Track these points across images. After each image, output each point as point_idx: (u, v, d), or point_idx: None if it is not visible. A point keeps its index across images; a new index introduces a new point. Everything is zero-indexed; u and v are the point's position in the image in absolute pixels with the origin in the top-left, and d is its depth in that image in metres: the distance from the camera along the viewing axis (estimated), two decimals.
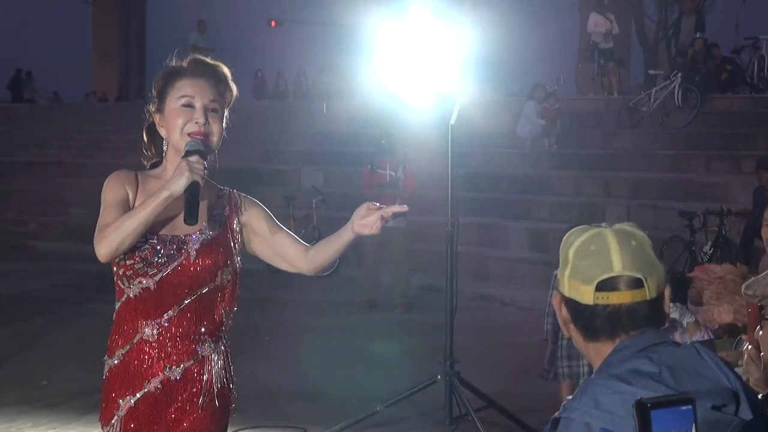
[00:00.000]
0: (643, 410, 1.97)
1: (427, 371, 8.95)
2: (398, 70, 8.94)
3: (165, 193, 3.81)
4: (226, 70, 4.14)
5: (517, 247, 17.77)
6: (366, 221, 4.04)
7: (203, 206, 4.02)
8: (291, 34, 48.60)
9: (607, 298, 2.61)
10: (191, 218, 3.81)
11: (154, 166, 4.20)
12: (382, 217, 4.01)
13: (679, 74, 21.68)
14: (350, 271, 16.79)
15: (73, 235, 21.23)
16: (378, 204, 4.06)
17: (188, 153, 3.90)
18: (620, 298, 2.61)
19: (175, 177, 3.83)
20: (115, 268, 3.97)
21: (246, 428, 8.71)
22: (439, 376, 8.62)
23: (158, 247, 3.93)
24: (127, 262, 3.92)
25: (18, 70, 43.55)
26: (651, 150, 20.36)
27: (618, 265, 2.61)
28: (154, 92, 4.11)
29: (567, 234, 2.76)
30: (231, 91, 4.15)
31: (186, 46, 33.76)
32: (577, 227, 2.76)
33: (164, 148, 4.12)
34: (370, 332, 13.00)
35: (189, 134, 3.97)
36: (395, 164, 14.86)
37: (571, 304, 2.68)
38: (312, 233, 18.51)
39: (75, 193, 22.86)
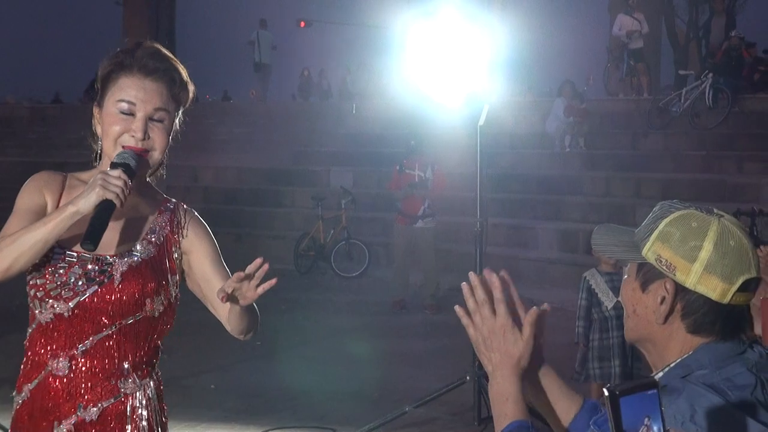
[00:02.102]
0: (614, 398, 1.99)
1: (456, 372, 8.96)
2: (428, 70, 8.94)
3: (71, 209, 3.21)
4: (182, 69, 3.50)
5: (547, 248, 17.73)
6: (241, 294, 3.35)
7: (138, 222, 3.48)
8: (321, 35, 48.68)
9: (741, 298, 2.55)
10: (89, 242, 3.14)
11: None
12: (256, 287, 3.37)
13: (710, 74, 21.59)
14: (380, 271, 16.80)
15: None
16: (244, 272, 3.34)
17: (113, 165, 3.28)
18: (747, 298, 2.57)
19: (86, 191, 3.22)
20: (27, 287, 3.37)
21: (276, 429, 8.74)
22: (468, 377, 8.62)
23: (77, 267, 3.33)
24: (38, 281, 3.33)
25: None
26: (682, 150, 20.29)
27: (754, 265, 2.55)
28: (97, 81, 3.51)
29: (680, 216, 2.59)
30: (187, 92, 3.53)
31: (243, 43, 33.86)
32: (683, 211, 2.61)
33: (98, 149, 3.50)
34: (399, 333, 13.01)
35: (123, 146, 3.37)
36: (424, 165, 14.86)
37: (693, 298, 2.56)
38: (341, 234, 18.55)
39: None
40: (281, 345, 12.14)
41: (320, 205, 19.20)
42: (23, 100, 41.83)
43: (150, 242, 3.47)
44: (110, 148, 3.38)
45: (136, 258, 3.41)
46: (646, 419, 2.01)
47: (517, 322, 2.65)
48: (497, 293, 2.66)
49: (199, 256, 3.59)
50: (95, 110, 3.49)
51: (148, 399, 3.47)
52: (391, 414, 8.60)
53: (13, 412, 3.49)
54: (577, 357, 8.55)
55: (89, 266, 3.35)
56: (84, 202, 3.20)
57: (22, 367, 3.44)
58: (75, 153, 26.44)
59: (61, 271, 3.32)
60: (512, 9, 26.94)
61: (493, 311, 2.65)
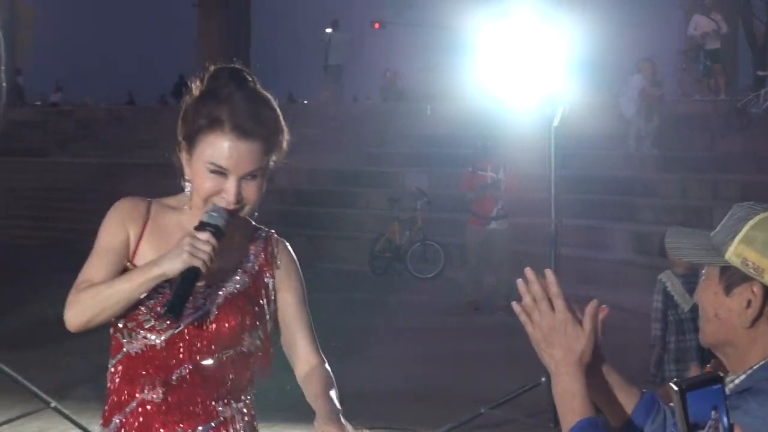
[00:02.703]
0: (681, 393, 2.01)
1: (530, 373, 8.93)
2: (501, 71, 8.93)
3: (156, 271, 3.03)
4: (277, 119, 3.25)
5: (621, 250, 17.62)
6: None
7: (233, 251, 3.26)
8: (394, 36, 48.75)
9: None
10: (171, 313, 2.99)
11: None
12: None
13: None
14: (454, 272, 16.78)
15: None
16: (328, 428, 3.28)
17: (201, 225, 3.08)
18: None
19: (172, 253, 3.03)
20: (113, 319, 3.15)
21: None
22: (543, 379, 8.60)
23: (162, 313, 3.07)
24: (130, 312, 3.12)
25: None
26: (761, 152, 20.05)
27: None
28: (183, 125, 3.23)
29: (765, 218, 2.58)
30: (282, 141, 3.29)
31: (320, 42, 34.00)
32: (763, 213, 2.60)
33: (188, 190, 3.24)
34: (473, 334, 13.00)
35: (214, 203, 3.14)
36: (496, 166, 14.84)
37: None
38: (417, 235, 18.57)
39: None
40: (356, 346, 12.18)
41: (396, 206, 19.24)
42: (101, 101, 42.36)
43: (245, 272, 3.30)
44: (199, 203, 3.16)
45: (231, 289, 3.23)
46: (713, 412, 2.02)
47: (575, 319, 2.61)
48: (554, 288, 2.62)
49: (284, 295, 3.40)
50: (183, 153, 3.21)
51: (245, 423, 3.31)
52: (466, 415, 8.60)
53: None
54: (653, 359, 8.49)
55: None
56: (170, 266, 3.01)
57: (108, 398, 3.23)
58: (148, 154, 26.69)
59: (155, 301, 3.11)
60: (586, 9, 26.80)
61: (551, 307, 2.61)
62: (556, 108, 8.79)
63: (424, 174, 22.21)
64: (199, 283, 3.12)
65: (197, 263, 2.99)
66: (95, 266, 3.14)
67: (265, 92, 3.26)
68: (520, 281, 2.67)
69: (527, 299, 2.64)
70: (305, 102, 42.17)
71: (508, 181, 14.75)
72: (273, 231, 3.46)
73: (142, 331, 3.13)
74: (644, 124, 21.23)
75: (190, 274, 3.01)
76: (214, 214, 3.08)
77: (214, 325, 3.16)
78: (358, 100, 39.82)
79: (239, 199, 3.11)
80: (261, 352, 3.29)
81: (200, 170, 3.12)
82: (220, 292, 3.21)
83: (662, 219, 17.56)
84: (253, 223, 3.39)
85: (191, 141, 3.15)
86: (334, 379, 3.48)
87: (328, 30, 34.12)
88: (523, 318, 2.65)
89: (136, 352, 3.15)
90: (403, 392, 10.02)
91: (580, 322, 2.60)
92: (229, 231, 3.14)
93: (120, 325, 3.15)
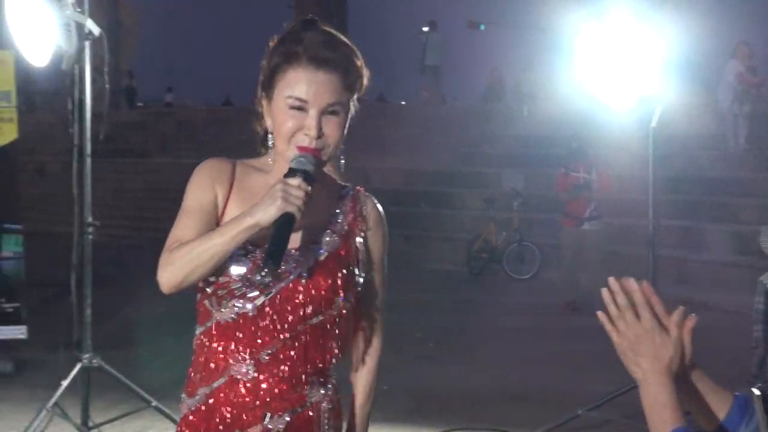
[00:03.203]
0: (764, 399, 2.00)
1: (626, 374, 8.87)
2: (598, 72, 8.90)
3: (249, 221, 2.91)
4: (356, 55, 3.14)
5: (721, 251, 17.42)
6: None
7: (320, 212, 3.15)
8: (490, 37, 48.64)
9: None
10: (271, 262, 2.90)
11: None
12: None
13: None
14: (552, 273, 16.73)
15: None
16: None
17: (291, 172, 2.97)
18: None
19: (264, 202, 2.92)
20: (201, 285, 3.07)
21: (448, 431, 8.79)
22: None
23: (261, 264, 2.99)
24: (220, 279, 3.03)
25: None
26: None
27: None
28: (262, 71, 3.13)
29: None
30: (362, 79, 3.15)
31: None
32: None
33: (269, 142, 3.16)
34: (569, 335, 12.94)
35: (297, 146, 3.04)
36: (588, 166, 14.79)
37: None
38: (513, 236, 18.55)
39: None
40: (452, 346, 12.20)
41: (491, 207, 19.24)
42: (200, 102, 42.80)
43: (335, 231, 3.17)
44: (283, 146, 3.06)
45: (322, 251, 3.11)
46: None
47: (662, 328, 2.57)
48: (639, 297, 2.58)
49: (367, 254, 3.26)
50: (263, 103, 3.14)
51: (332, 407, 3.22)
52: (563, 416, 8.58)
53: (183, 414, 3.17)
54: (754, 361, 8.41)
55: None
56: (263, 214, 2.89)
57: (192, 368, 3.15)
58: (246, 153, 26.94)
59: (245, 267, 3.00)
60: (686, 8, 26.50)
61: (637, 315, 2.58)
62: (654, 108, 8.74)
63: (520, 174, 22.16)
64: (290, 247, 3.03)
65: (291, 209, 2.90)
66: (185, 226, 3.06)
67: (342, 36, 3.17)
68: (604, 291, 2.64)
69: (612, 309, 2.62)
70: (402, 103, 42.25)
71: (600, 182, 14.69)
72: (361, 187, 3.37)
73: (232, 299, 3.02)
74: (738, 107, 20.90)
75: (285, 222, 2.92)
76: (302, 159, 3.00)
77: (306, 290, 3.05)
78: (457, 100, 39.75)
79: (320, 134, 3.03)
80: (348, 315, 3.17)
81: (280, 109, 3.05)
82: (310, 255, 3.09)
83: (764, 219, 17.33)
84: (338, 181, 3.32)
85: (270, 85, 3.09)
86: (378, 361, 3.44)
87: (425, 30, 34.13)
88: (608, 327, 2.63)
89: (226, 321, 3.04)
90: (499, 393, 10.01)
91: (667, 330, 2.57)
92: (316, 185, 3.04)
93: (209, 291, 3.05)
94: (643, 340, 2.56)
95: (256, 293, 3.02)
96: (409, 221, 21.15)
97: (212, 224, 3.08)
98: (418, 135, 26.33)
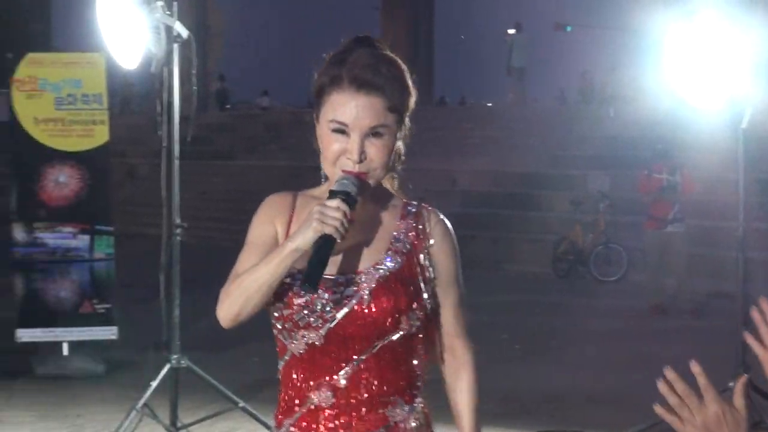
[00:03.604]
0: None
1: (716, 378, 8.79)
2: (687, 73, 8.81)
3: (290, 246, 2.94)
4: (401, 75, 3.11)
5: None
6: None
7: (381, 232, 3.13)
8: (576, 38, 48.40)
9: None
10: (307, 284, 2.91)
11: None
12: None
13: None
14: (637, 275, 16.62)
15: None
16: None
17: (331, 194, 2.98)
18: None
19: (303, 227, 2.95)
20: (272, 321, 3.11)
21: None
22: (730, 384, 8.46)
23: (322, 291, 3.00)
24: (284, 312, 3.04)
25: None
26: None
27: None
28: (313, 92, 3.16)
29: None
30: (409, 98, 3.13)
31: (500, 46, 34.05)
32: None
33: (322, 165, 3.16)
34: (657, 337, 12.84)
35: (342, 170, 3.04)
36: (672, 168, 14.67)
37: None
38: (600, 238, 18.44)
39: None
40: (538, 348, 12.17)
41: (578, 209, 19.15)
42: (287, 105, 43.03)
43: (396, 252, 3.11)
44: (330, 170, 3.08)
45: (383, 272, 3.06)
46: None
47: (730, 405, 2.44)
48: (702, 380, 2.47)
49: (437, 271, 3.20)
50: (316, 124, 3.16)
51: (419, 425, 3.15)
52: (651, 419, 8.51)
53: None
54: None
55: (335, 288, 3.02)
56: (301, 238, 2.92)
57: (280, 401, 3.17)
58: None
59: (307, 298, 3.01)
60: None
61: (701, 399, 2.45)
62: (744, 109, 8.64)
63: (607, 176, 22.00)
64: (351, 271, 3.05)
65: (328, 230, 2.89)
66: (244, 262, 3.09)
67: (392, 54, 3.14)
68: (660, 382, 2.53)
69: (673, 399, 2.51)
70: (488, 104, 42.17)
71: (684, 184, 14.57)
72: (426, 204, 3.27)
73: (299, 330, 3.03)
74: None
75: (323, 244, 2.91)
76: (345, 181, 2.98)
77: (368, 311, 3.01)
78: (538, 101, 39.58)
79: (362, 158, 2.99)
80: (421, 334, 3.12)
81: (325, 133, 3.06)
82: (371, 277, 3.05)
83: None
84: (404, 199, 3.25)
85: (318, 101, 3.10)
86: (476, 374, 3.28)
87: (511, 31, 34.07)
88: (669, 418, 2.51)
89: (300, 353, 3.06)
90: (585, 395, 9.97)
91: (732, 404, 2.44)
92: (375, 207, 3.12)
93: (279, 326, 3.08)
94: (713, 425, 2.42)
95: (320, 323, 3.01)
96: (496, 223, 21.11)
97: None
98: (504, 137, 26.26)
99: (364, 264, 3.07)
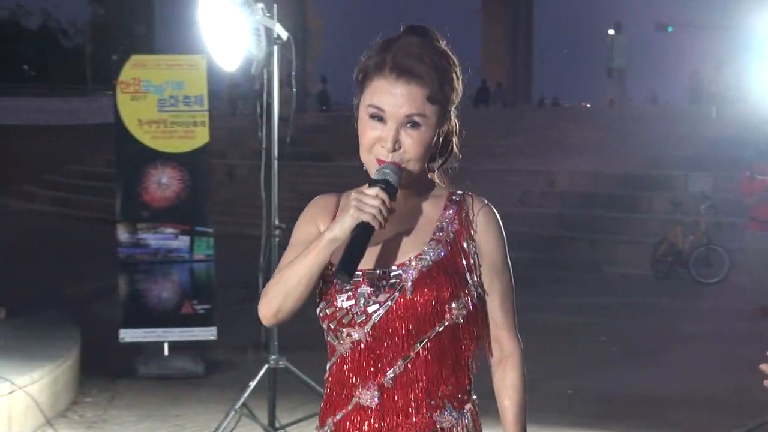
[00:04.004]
0: None
1: None
2: None
3: (327, 236, 2.90)
4: (446, 65, 3.00)
5: None
6: None
7: (423, 223, 3.05)
8: (677, 37, 47.84)
9: None
10: (342, 272, 2.82)
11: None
12: None
13: None
14: (740, 277, 16.40)
15: None
16: None
17: (371, 183, 2.91)
18: None
19: (341, 216, 2.91)
20: (320, 321, 3.04)
21: None
22: None
23: (364, 287, 2.94)
24: (328, 311, 2.97)
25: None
26: None
27: None
28: (356, 79, 3.08)
29: None
30: (451, 90, 3.02)
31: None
32: None
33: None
34: (759, 340, 12.65)
35: (376, 159, 2.97)
36: None
37: None
38: (700, 239, 18.23)
39: None
40: (636, 350, 12.07)
41: (678, 210, 18.94)
42: None
43: (438, 241, 3.02)
44: (365, 159, 3.00)
45: (425, 262, 2.97)
46: None
47: None
48: None
49: (483, 260, 3.08)
50: (355, 111, 3.07)
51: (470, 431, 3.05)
52: (752, 422, 8.40)
53: None
54: None
55: (377, 282, 2.95)
56: (339, 227, 2.87)
57: (324, 400, 3.09)
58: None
59: (349, 293, 2.94)
60: None
61: None
62: None
63: (709, 177, 21.74)
64: (392, 264, 2.97)
65: (366, 218, 2.82)
66: (287, 260, 3.03)
67: (442, 46, 3.03)
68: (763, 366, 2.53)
69: None
70: (588, 105, 41.89)
71: None
72: (471, 192, 3.15)
73: (344, 329, 2.96)
74: None
75: (360, 232, 2.84)
76: (386, 170, 2.91)
77: (411, 303, 2.92)
78: (636, 103, 39.19)
79: (396, 147, 2.93)
80: (469, 326, 2.99)
81: (362, 119, 3.00)
82: (413, 267, 2.96)
83: None
84: (448, 189, 3.16)
85: (360, 93, 3.03)
86: (522, 370, 3.17)
87: (611, 32, 33.80)
88: None
89: (347, 351, 2.98)
90: (684, 397, 9.87)
91: None
92: (418, 198, 3.06)
93: (325, 327, 3.01)
94: None
95: (364, 318, 2.94)
96: (595, 225, 20.97)
97: None
98: (603, 137, 26.08)
99: (406, 256, 2.99)
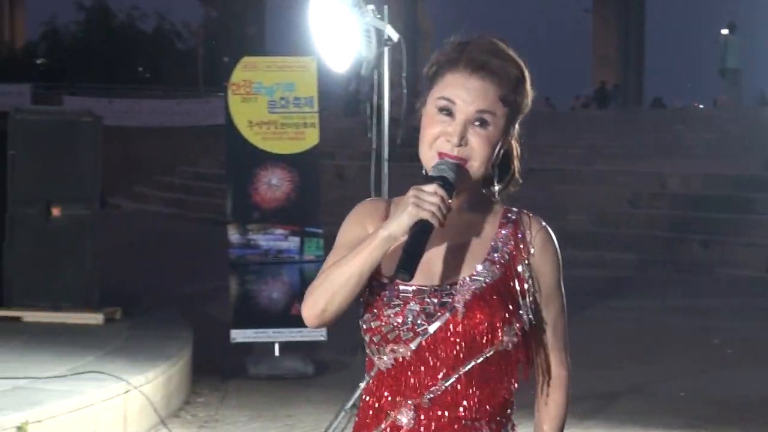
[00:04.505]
0: None
1: None
2: None
3: (382, 233, 2.74)
4: (520, 68, 2.91)
5: None
6: None
7: (476, 241, 2.92)
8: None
9: None
10: (403, 270, 2.69)
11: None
12: None
13: None
14: None
15: (571, 242, 21.59)
16: None
17: (428, 179, 2.79)
18: None
19: (397, 214, 2.75)
20: (362, 333, 2.89)
21: None
22: None
23: (413, 303, 2.81)
24: (373, 324, 2.83)
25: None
26: None
27: None
28: (425, 78, 2.97)
29: None
30: (524, 95, 2.93)
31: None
32: None
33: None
34: None
35: (439, 153, 2.85)
36: None
37: None
38: None
39: (573, 200, 23.20)
40: (752, 353, 11.88)
41: None
42: None
43: (493, 262, 2.89)
44: (426, 155, 2.88)
45: (479, 283, 2.84)
46: None
47: None
48: None
49: (536, 282, 2.96)
50: (420, 113, 2.96)
51: None
52: None
53: None
54: None
55: (427, 300, 2.81)
56: (396, 224, 2.72)
57: (358, 416, 2.97)
58: (544, 159, 27.02)
59: (397, 309, 2.80)
60: None
61: None
62: None
63: None
64: (444, 282, 2.84)
65: (425, 215, 2.68)
66: (332, 261, 2.86)
67: (514, 54, 2.92)
68: None
69: None
70: (700, 106, 41.36)
71: None
72: (527, 211, 3.01)
73: (388, 344, 2.81)
74: None
75: (420, 230, 2.69)
76: (442, 166, 2.78)
77: (463, 327, 2.79)
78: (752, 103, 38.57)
79: (463, 143, 2.80)
80: (518, 352, 2.85)
81: (429, 113, 2.87)
82: (467, 288, 2.82)
83: None
84: (504, 206, 3.01)
85: (428, 89, 2.92)
86: (567, 393, 3.03)
87: (724, 32, 33.33)
88: None
89: (387, 368, 2.84)
90: None
91: None
92: (475, 213, 2.93)
93: (367, 339, 2.85)
94: None
95: (410, 336, 2.80)
96: (708, 226, 20.68)
97: None
98: (716, 139, 25.76)
99: (458, 274, 2.86)
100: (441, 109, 2.83)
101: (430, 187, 2.71)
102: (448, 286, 2.82)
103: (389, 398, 2.85)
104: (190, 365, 9.64)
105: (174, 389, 9.01)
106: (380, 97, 7.91)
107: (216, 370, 10.51)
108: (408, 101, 5.96)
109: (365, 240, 2.77)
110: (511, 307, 2.83)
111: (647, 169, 23.62)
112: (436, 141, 2.83)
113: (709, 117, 29.93)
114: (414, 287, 2.80)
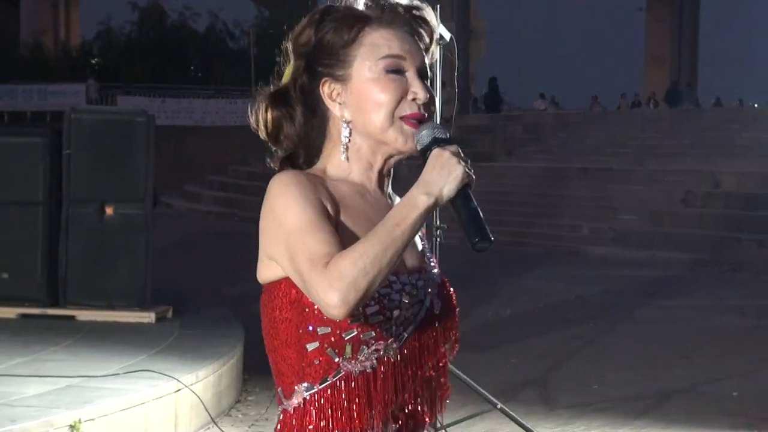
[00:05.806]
0: None
1: None
2: None
3: (426, 201, 2.29)
4: (430, 13, 2.64)
5: None
6: None
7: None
8: None
9: None
10: (484, 241, 2.31)
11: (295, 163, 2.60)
12: None
13: None
14: None
15: (623, 241, 21.47)
16: None
17: (436, 142, 2.39)
18: None
19: (438, 174, 2.32)
20: (322, 332, 2.41)
21: None
22: None
23: (396, 295, 2.40)
24: (357, 320, 2.36)
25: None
26: None
27: None
28: (319, 47, 2.53)
29: None
30: (434, 45, 2.62)
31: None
32: None
33: (344, 137, 2.49)
34: None
35: (403, 118, 2.43)
36: None
37: None
38: None
39: (625, 199, 23.08)
40: None
41: None
42: (550, 106, 42.85)
43: (430, 249, 2.64)
44: (382, 126, 2.45)
45: (435, 271, 2.56)
46: None
47: None
48: None
49: None
50: (324, 86, 2.49)
51: None
52: None
53: None
54: None
55: (410, 290, 2.43)
56: (448, 187, 2.31)
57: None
58: (593, 159, 26.91)
59: (385, 302, 2.38)
60: None
61: None
62: None
63: None
64: (415, 269, 2.49)
65: (469, 179, 2.35)
66: (319, 240, 2.30)
67: None
68: None
69: None
70: (755, 105, 41.04)
71: None
72: None
73: (374, 343, 2.39)
74: None
75: (467, 194, 2.35)
76: (435, 129, 2.42)
77: (439, 323, 2.49)
78: None
79: (429, 104, 2.46)
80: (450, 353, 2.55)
81: (372, 79, 2.44)
82: (430, 276, 2.52)
83: None
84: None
85: (344, 54, 2.49)
86: None
87: None
88: None
89: (362, 372, 2.40)
90: None
91: None
92: (386, 182, 2.62)
93: (347, 336, 2.38)
94: None
95: (400, 331, 2.43)
96: (763, 226, 20.50)
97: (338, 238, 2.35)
98: None
99: (419, 261, 2.54)
100: (389, 70, 2.45)
101: (454, 147, 2.37)
102: (416, 278, 2.47)
103: (363, 410, 2.43)
104: (241, 364, 9.66)
105: (225, 388, 9.03)
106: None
107: (266, 369, 10.47)
108: (461, 101, 5.95)
109: (394, 211, 2.31)
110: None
111: (700, 168, 23.46)
112: (399, 106, 2.44)
113: (764, 116, 29.63)
114: (398, 276, 2.41)
